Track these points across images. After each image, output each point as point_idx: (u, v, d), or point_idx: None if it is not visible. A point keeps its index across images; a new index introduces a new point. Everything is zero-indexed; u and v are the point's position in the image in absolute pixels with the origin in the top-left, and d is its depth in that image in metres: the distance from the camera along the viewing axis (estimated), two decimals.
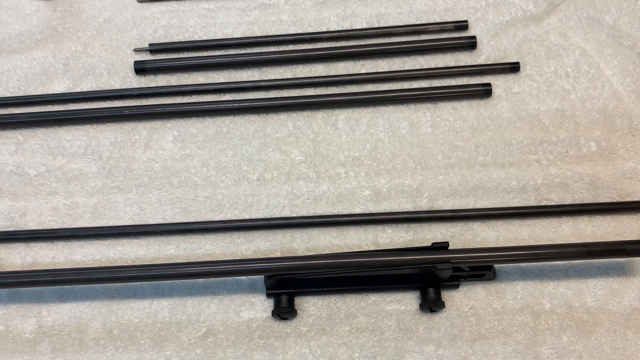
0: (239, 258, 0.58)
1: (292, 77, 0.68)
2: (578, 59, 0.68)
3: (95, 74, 0.69)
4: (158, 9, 0.72)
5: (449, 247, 0.55)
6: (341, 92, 0.67)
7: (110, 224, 0.61)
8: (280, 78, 0.68)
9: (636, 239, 0.57)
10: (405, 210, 0.61)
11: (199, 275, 0.54)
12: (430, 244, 0.56)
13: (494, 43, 0.69)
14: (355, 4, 0.72)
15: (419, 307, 0.56)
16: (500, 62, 0.67)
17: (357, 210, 0.61)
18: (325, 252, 0.59)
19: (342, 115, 0.66)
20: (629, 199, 0.60)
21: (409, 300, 0.57)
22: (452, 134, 0.64)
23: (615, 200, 0.60)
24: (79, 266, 0.58)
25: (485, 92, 0.65)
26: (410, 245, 0.58)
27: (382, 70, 0.68)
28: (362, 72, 0.68)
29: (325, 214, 0.61)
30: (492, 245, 0.58)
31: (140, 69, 0.68)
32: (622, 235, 0.59)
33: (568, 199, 0.61)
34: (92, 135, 0.65)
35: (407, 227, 0.60)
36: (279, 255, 0.59)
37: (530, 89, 0.66)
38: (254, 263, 0.54)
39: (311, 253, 0.59)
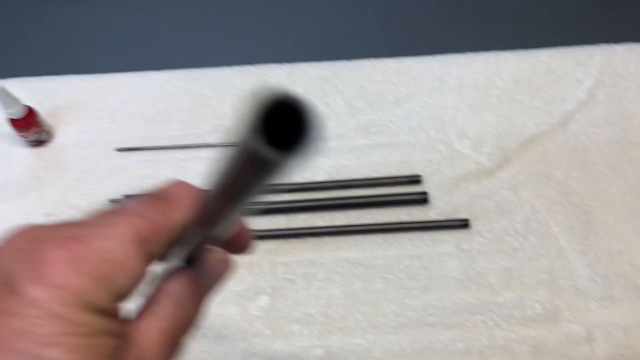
0: None
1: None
2: (527, 215, 0.70)
3: None
4: (135, 157, 0.77)
5: None
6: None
7: None
8: None
9: None
10: None
11: None
12: None
13: (446, 197, 0.72)
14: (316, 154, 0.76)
15: None
16: (451, 217, 0.71)
17: None
18: None
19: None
20: None
21: None
22: (403, 292, 0.67)
23: None
24: None
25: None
26: None
27: (339, 224, 0.71)
28: (320, 225, 0.72)
29: None
30: None
31: None
32: None
33: None
34: None
35: None
36: None
37: (480, 246, 0.69)
38: None
39: None
